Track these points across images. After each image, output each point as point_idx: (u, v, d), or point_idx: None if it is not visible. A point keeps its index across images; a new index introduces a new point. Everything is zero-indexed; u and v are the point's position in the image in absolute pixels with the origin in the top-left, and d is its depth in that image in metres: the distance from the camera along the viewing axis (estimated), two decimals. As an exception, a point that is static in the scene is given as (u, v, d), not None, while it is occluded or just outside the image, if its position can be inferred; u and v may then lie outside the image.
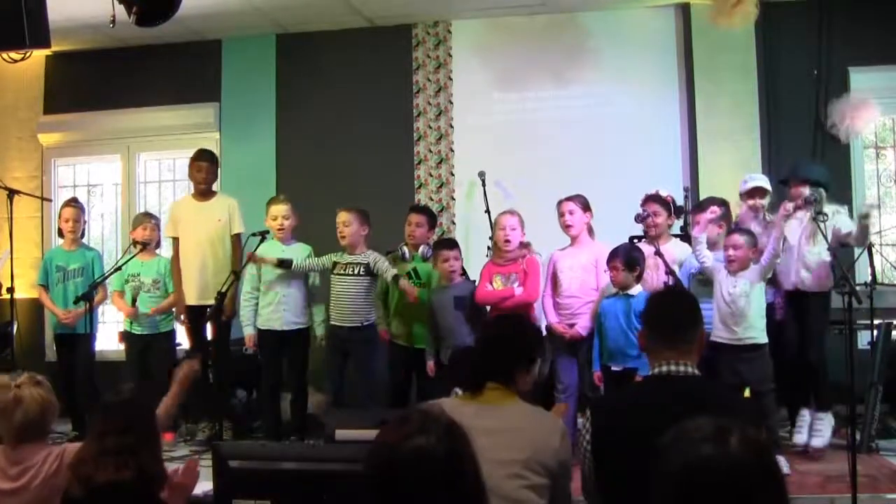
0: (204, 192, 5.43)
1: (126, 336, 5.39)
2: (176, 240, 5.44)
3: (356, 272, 4.95)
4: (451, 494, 1.47)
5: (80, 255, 5.48)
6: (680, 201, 5.12)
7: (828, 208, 4.45)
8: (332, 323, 5.02)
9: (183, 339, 5.91)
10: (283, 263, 5.01)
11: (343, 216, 4.98)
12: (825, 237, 4.28)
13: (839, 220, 4.47)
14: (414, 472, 1.46)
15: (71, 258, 5.46)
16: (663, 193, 4.76)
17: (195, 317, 5.22)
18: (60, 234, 5.57)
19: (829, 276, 4.48)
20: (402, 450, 1.48)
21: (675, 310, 2.35)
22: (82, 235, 5.59)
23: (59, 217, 5.54)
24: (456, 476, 1.49)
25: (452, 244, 4.90)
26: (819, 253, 4.48)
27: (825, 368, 4.53)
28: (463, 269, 5.24)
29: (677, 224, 4.97)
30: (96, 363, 5.44)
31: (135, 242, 5.29)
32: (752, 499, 1.33)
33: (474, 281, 5.10)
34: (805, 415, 4.52)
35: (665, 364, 2.22)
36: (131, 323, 5.32)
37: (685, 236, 4.88)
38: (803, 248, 4.51)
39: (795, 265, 4.52)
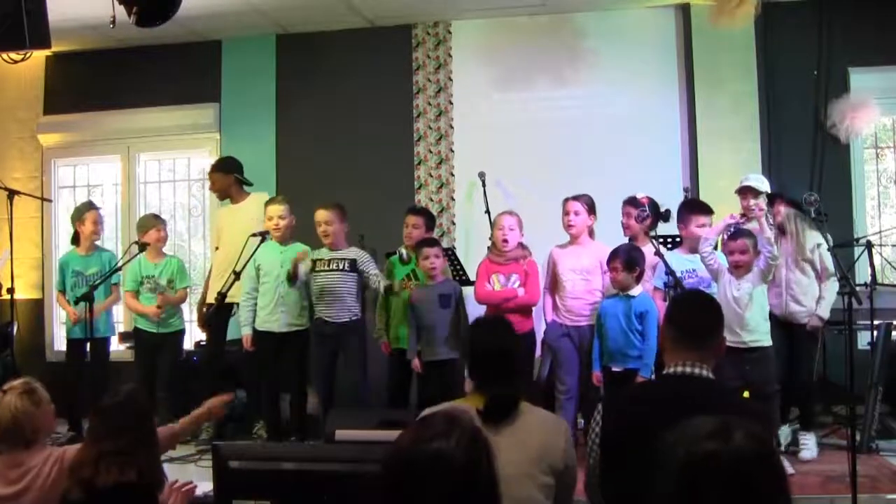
0: (234, 198, 5.54)
1: (136, 334, 5.41)
2: (219, 250, 5.50)
3: (342, 267, 4.93)
4: (464, 500, 1.45)
5: (96, 258, 5.51)
6: (669, 204, 5.03)
7: (809, 238, 4.54)
8: (321, 319, 4.95)
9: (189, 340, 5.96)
10: (293, 276, 4.98)
11: (324, 215, 4.94)
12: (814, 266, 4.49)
13: (823, 254, 4.53)
14: (429, 475, 1.45)
15: (88, 262, 5.48)
16: (639, 196, 4.76)
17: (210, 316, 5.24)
18: (75, 238, 5.55)
19: (818, 303, 4.55)
20: (421, 452, 1.47)
21: (706, 315, 2.37)
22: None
23: (83, 221, 5.49)
24: (472, 484, 1.47)
25: (432, 243, 4.89)
26: (808, 283, 4.55)
27: (812, 391, 4.58)
28: (463, 270, 5.25)
29: (675, 227, 4.93)
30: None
31: (143, 244, 5.25)
32: (756, 492, 1.34)
33: (462, 280, 5.12)
34: (786, 432, 4.58)
35: (682, 365, 2.24)
36: (144, 321, 5.34)
37: (678, 238, 4.86)
38: (790, 277, 4.54)
39: (784, 296, 4.54)
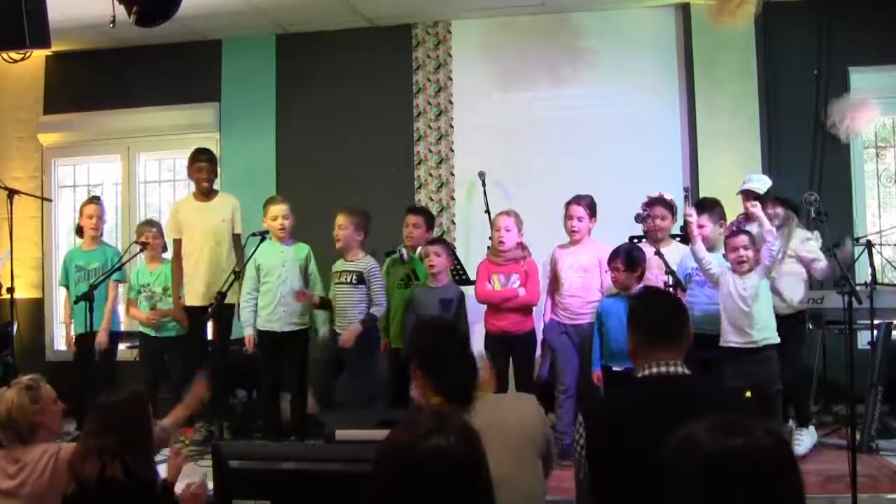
0: (206, 192, 5.42)
1: (141, 337, 5.41)
2: (178, 241, 5.43)
3: (349, 280, 4.95)
4: (464, 496, 1.46)
5: (99, 253, 5.48)
6: (678, 201, 5.10)
7: (798, 234, 4.57)
8: (334, 328, 5.05)
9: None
10: (324, 304, 5.10)
11: (339, 219, 4.98)
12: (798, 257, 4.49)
13: (809, 245, 4.54)
14: (431, 472, 1.45)
15: (90, 257, 5.45)
16: (667, 196, 4.75)
17: (196, 317, 5.22)
18: (79, 232, 5.55)
19: (802, 295, 4.57)
20: (420, 449, 1.46)
21: (668, 310, 2.37)
22: (101, 234, 5.61)
23: (81, 214, 5.51)
24: (471, 477, 1.48)
25: (433, 241, 4.90)
26: (791, 273, 4.54)
27: (804, 387, 4.57)
28: (463, 270, 5.25)
29: (677, 224, 4.95)
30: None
31: (144, 244, 5.27)
32: (779, 485, 1.36)
33: (462, 279, 5.10)
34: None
35: (657, 365, 2.22)
36: (148, 326, 5.36)
37: (684, 236, 4.87)
38: (777, 272, 4.51)
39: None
